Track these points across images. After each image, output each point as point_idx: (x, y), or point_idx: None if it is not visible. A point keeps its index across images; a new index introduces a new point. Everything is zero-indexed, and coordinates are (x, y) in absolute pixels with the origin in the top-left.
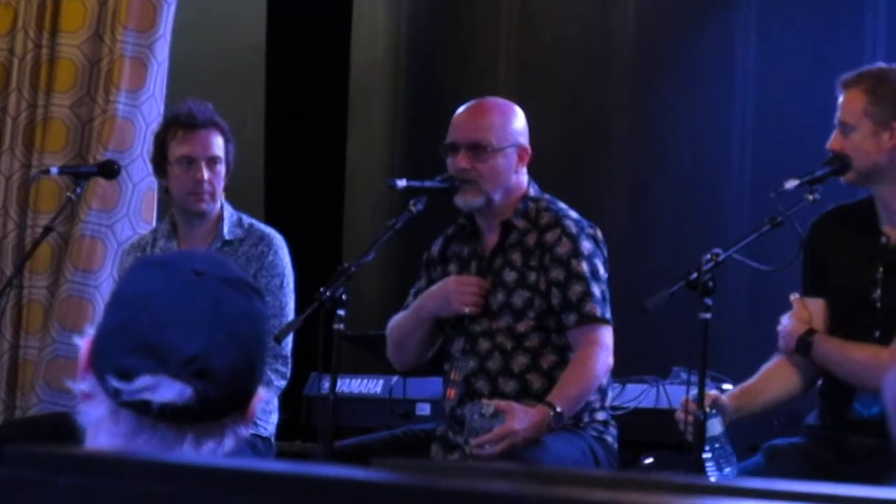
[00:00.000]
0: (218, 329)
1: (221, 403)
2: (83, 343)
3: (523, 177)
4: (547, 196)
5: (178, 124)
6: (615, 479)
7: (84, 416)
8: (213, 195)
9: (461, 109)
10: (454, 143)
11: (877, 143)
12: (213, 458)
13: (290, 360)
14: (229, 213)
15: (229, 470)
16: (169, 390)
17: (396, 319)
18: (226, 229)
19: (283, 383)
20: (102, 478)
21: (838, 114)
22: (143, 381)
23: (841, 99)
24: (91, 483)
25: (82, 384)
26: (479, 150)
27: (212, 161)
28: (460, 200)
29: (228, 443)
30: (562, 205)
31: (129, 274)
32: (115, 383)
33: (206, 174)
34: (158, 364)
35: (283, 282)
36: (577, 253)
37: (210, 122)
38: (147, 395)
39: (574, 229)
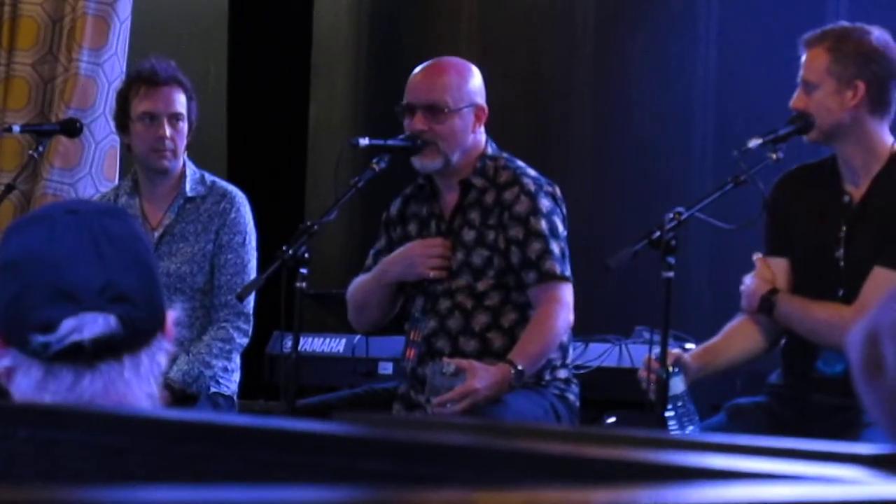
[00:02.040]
0: (114, 255)
1: (146, 324)
2: None
3: (481, 136)
4: (505, 154)
5: (140, 81)
6: (576, 433)
7: (16, 389)
8: (174, 152)
9: (417, 70)
10: (410, 104)
11: (840, 101)
12: (172, 412)
13: (252, 319)
14: (191, 170)
15: (187, 423)
16: (94, 324)
17: (357, 283)
18: (188, 186)
19: (245, 341)
20: (61, 430)
21: (801, 72)
22: (68, 324)
23: (804, 57)
24: (50, 435)
25: (2, 362)
26: (435, 111)
27: (174, 118)
28: (418, 163)
29: (162, 361)
30: (520, 163)
31: (8, 240)
32: (40, 339)
33: (168, 131)
34: (75, 304)
35: (245, 239)
36: (535, 211)
37: (172, 79)
38: (76, 337)
39: (532, 187)
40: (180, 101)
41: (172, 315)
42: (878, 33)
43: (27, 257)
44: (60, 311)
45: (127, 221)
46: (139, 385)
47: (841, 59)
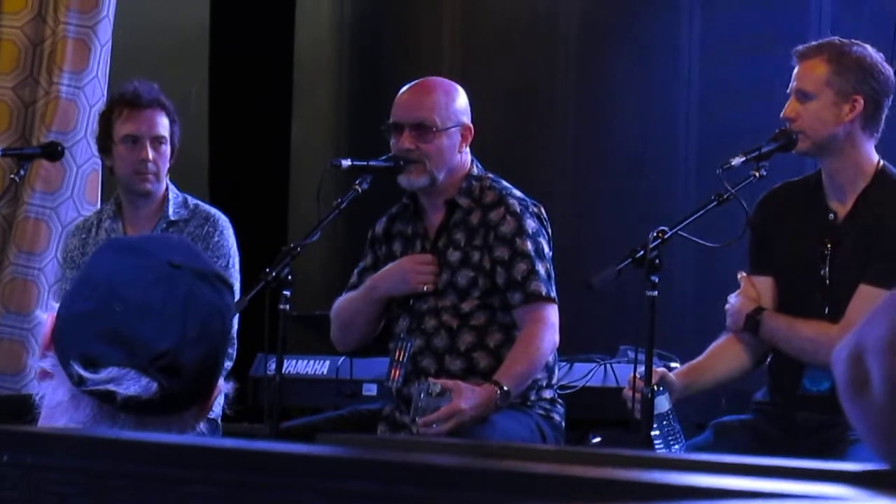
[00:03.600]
0: (189, 325)
1: (184, 398)
2: (47, 318)
3: (466, 156)
4: (490, 175)
5: (123, 103)
6: (561, 452)
7: (45, 393)
8: (157, 175)
9: (404, 89)
10: (398, 123)
11: (836, 114)
12: (153, 435)
13: (235, 341)
14: (174, 193)
15: (171, 446)
16: (135, 384)
17: (343, 300)
18: (171, 210)
19: (228, 364)
20: (45, 454)
21: (795, 83)
22: (110, 372)
23: (798, 68)
24: (33, 460)
25: (43, 361)
26: (423, 129)
27: (156, 141)
28: (404, 180)
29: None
30: (505, 183)
31: (102, 256)
32: (79, 370)
33: (150, 153)
34: (127, 356)
35: (228, 262)
36: (521, 231)
37: (155, 101)
38: (112, 387)
39: (518, 207)
40: (163, 124)
41: (219, 388)
42: (873, 51)
43: (109, 285)
44: (111, 355)
45: (219, 292)
46: None
47: (842, 71)
